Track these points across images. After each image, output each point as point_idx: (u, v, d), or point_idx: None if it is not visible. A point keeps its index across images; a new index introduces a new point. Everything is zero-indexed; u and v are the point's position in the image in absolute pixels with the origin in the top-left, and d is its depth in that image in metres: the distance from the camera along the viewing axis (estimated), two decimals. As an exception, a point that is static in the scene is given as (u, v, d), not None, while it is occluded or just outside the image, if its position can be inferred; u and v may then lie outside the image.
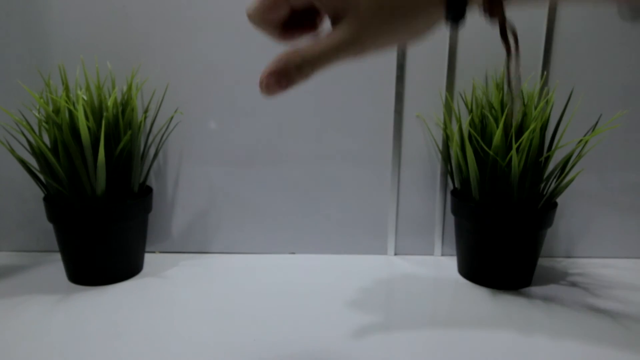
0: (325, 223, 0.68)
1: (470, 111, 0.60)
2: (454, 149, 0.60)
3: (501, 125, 0.54)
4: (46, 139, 0.60)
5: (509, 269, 0.58)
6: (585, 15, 0.62)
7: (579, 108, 0.64)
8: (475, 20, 0.62)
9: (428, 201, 0.67)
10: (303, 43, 0.31)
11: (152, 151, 0.65)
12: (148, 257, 0.65)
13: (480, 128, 0.58)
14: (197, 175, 0.67)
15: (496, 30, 0.31)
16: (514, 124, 0.54)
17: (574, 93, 0.64)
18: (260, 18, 0.33)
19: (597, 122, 0.64)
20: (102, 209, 0.55)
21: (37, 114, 0.56)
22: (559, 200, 0.61)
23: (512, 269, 0.58)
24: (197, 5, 0.62)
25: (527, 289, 0.58)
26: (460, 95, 0.64)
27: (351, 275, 0.62)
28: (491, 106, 0.59)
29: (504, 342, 0.47)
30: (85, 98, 0.55)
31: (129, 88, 0.58)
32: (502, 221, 0.56)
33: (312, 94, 0.64)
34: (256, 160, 0.66)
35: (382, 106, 0.65)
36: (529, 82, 0.64)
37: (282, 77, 0.30)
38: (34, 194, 0.66)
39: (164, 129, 0.65)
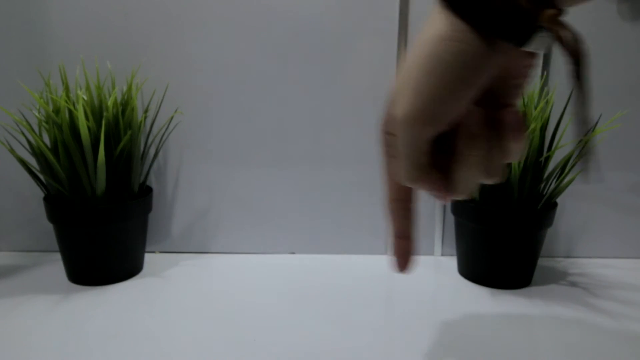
0: (325, 223, 0.68)
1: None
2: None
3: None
4: (46, 139, 0.60)
5: (509, 269, 0.58)
6: (585, 15, 0.62)
7: (579, 108, 0.63)
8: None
9: (428, 201, 0.67)
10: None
11: (152, 151, 0.65)
12: (148, 257, 0.65)
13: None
14: (197, 175, 0.67)
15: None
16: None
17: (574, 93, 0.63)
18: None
19: (597, 122, 0.64)
20: (102, 209, 0.55)
21: (37, 114, 0.56)
22: (559, 200, 0.61)
23: (512, 269, 0.58)
24: (198, 5, 0.62)
25: (527, 289, 0.58)
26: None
27: (351, 275, 0.62)
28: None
29: (504, 342, 0.47)
30: (85, 98, 0.55)
31: (129, 88, 0.58)
32: (502, 221, 0.56)
33: (312, 93, 0.64)
34: (256, 160, 0.66)
35: (382, 106, 0.65)
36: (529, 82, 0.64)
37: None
38: (34, 194, 0.66)
39: (164, 129, 0.65)
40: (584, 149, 0.28)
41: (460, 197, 0.31)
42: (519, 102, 0.30)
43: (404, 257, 0.35)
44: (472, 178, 0.29)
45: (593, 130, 0.27)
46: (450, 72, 0.25)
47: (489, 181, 0.30)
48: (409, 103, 0.27)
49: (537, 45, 0.25)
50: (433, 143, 0.29)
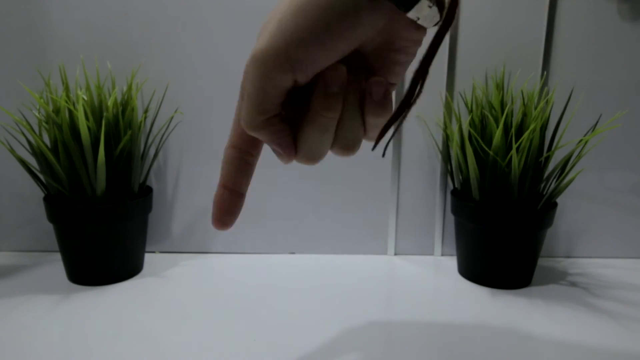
0: (325, 223, 0.68)
1: (470, 111, 0.60)
2: (454, 149, 0.60)
3: (501, 125, 0.54)
4: (46, 139, 0.60)
5: (509, 269, 0.58)
6: (585, 15, 0.62)
7: (579, 108, 0.64)
8: (475, 19, 0.62)
9: (428, 201, 0.67)
10: None
11: (152, 151, 0.65)
12: (148, 257, 0.65)
13: (480, 128, 0.58)
14: (197, 175, 0.67)
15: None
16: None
17: (574, 93, 0.64)
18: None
19: (597, 122, 0.64)
20: (102, 209, 0.55)
21: (37, 114, 0.56)
22: (559, 200, 0.61)
23: (512, 269, 0.58)
24: (197, 5, 0.62)
25: (527, 289, 0.58)
26: (460, 95, 0.64)
27: (351, 275, 0.62)
28: (491, 106, 0.59)
29: (504, 342, 0.47)
30: (85, 98, 0.55)
31: (129, 88, 0.58)
32: (502, 221, 0.56)
33: (312, 94, 0.64)
34: (256, 160, 0.66)
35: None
36: (529, 82, 0.64)
37: None
38: (34, 194, 0.66)
39: (164, 129, 0.65)
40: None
41: (302, 162, 0.28)
42: (396, 81, 0.29)
43: (222, 210, 0.31)
44: (321, 143, 0.27)
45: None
46: (322, 17, 0.23)
47: (338, 153, 0.28)
48: (268, 41, 0.25)
49: (423, 16, 0.24)
50: (289, 95, 0.27)
